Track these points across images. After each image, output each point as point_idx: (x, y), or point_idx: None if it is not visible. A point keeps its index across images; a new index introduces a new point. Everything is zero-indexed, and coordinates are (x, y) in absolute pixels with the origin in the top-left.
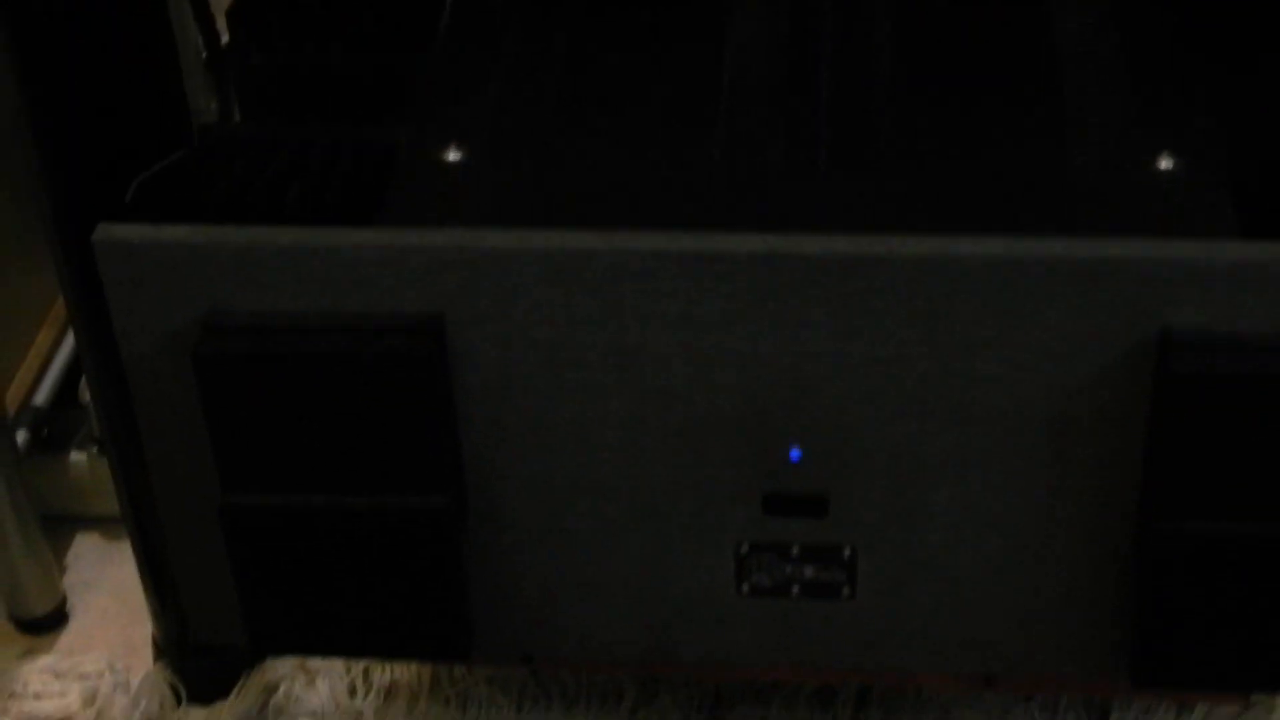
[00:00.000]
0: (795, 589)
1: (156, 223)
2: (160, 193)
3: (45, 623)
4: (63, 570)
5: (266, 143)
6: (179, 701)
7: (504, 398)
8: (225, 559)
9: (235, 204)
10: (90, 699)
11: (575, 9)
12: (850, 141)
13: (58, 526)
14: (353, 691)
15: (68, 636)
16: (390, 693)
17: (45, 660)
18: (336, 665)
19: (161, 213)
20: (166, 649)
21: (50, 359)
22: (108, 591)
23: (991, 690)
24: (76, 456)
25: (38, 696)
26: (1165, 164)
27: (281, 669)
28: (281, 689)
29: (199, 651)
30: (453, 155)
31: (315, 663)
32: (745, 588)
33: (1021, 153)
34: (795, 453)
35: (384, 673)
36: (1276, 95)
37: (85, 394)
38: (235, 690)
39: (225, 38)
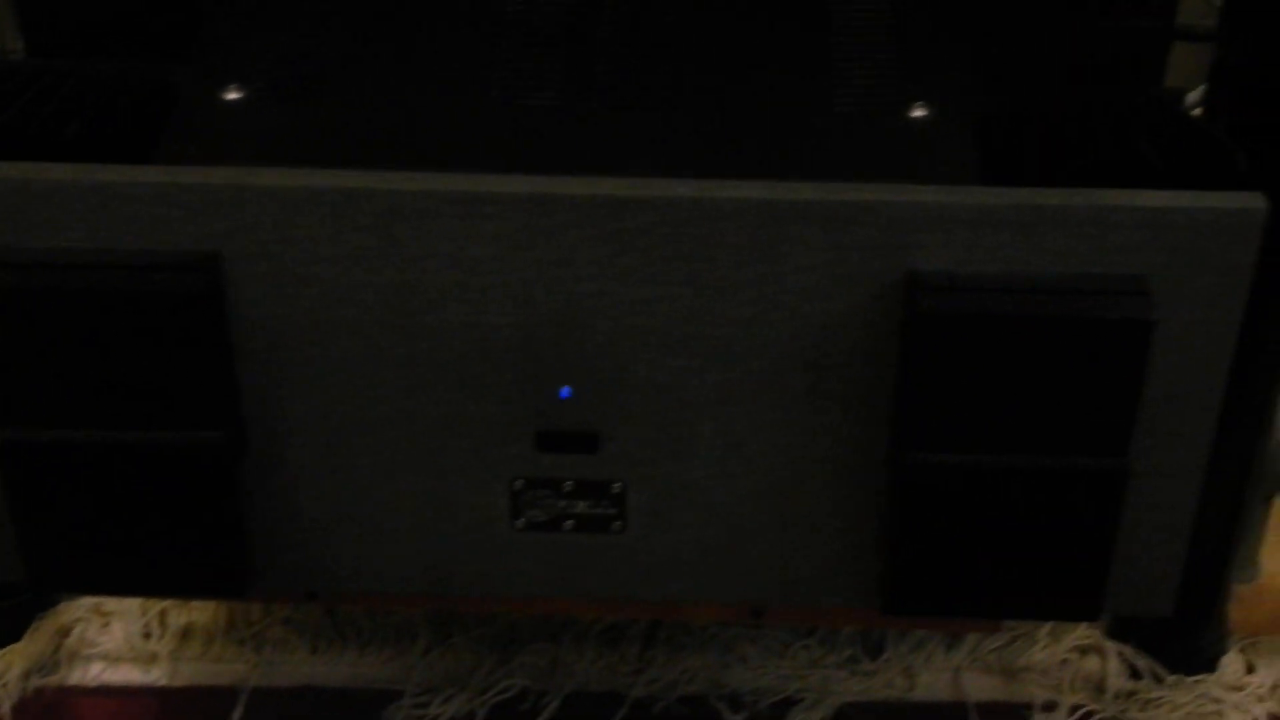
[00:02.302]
0: (568, 524)
1: None
2: None
3: None
4: None
5: (46, 79)
6: None
7: (281, 335)
8: (2, 496)
9: (13, 139)
10: None
11: None
12: (625, 84)
13: None
14: (148, 634)
15: None
16: (186, 635)
17: None
18: (132, 608)
19: None
20: None
21: None
22: None
23: (761, 622)
24: None
25: None
26: (917, 112)
27: (76, 612)
28: (75, 632)
29: None
30: (232, 94)
31: (110, 605)
32: (520, 523)
33: (788, 97)
34: (565, 391)
35: (180, 615)
36: (1024, 50)
37: None
38: (27, 633)
39: None
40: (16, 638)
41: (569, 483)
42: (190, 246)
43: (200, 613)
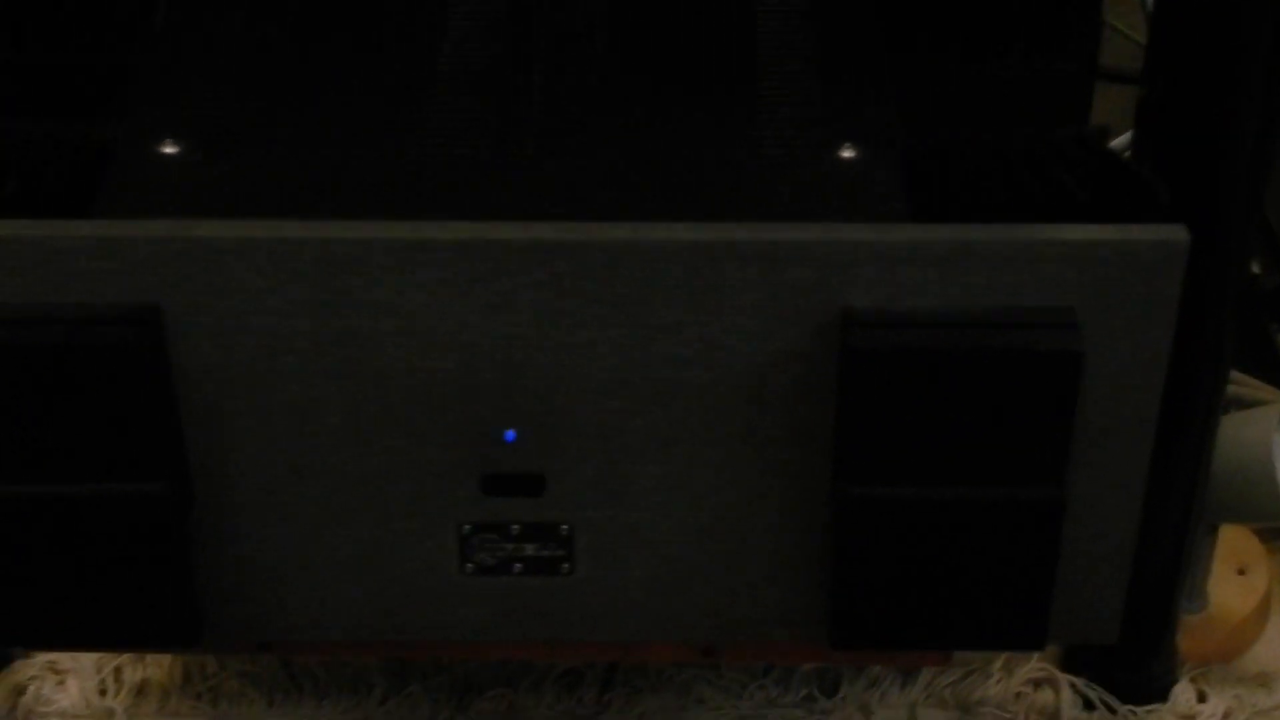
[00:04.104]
0: (517, 567)
1: None
2: None
3: None
4: None
5: None
6: None
7: (223, 385)
8: None
9: None
10: None
11: (290, 2)
12: (558, 128)
13: None
14: (103, 690)
15: None
16: (142, 690)
17: None
18: (87, 665)
19: None
20: None
21: None
22: None
23: (714, 660)
24: None
25: None
26: (846, 152)
27: (31, 669)
28: (30, 690)
29: None
30: (168, 149)
31: (65, 662)
32: (469, 567)
33: (719, 140)
34: (510, 434)
35: (135, 671)
36: (946, 88)
37: None
38: None
39: None
40: None
41: (516, 526)
42: (129, 299)
43: (155, 668)
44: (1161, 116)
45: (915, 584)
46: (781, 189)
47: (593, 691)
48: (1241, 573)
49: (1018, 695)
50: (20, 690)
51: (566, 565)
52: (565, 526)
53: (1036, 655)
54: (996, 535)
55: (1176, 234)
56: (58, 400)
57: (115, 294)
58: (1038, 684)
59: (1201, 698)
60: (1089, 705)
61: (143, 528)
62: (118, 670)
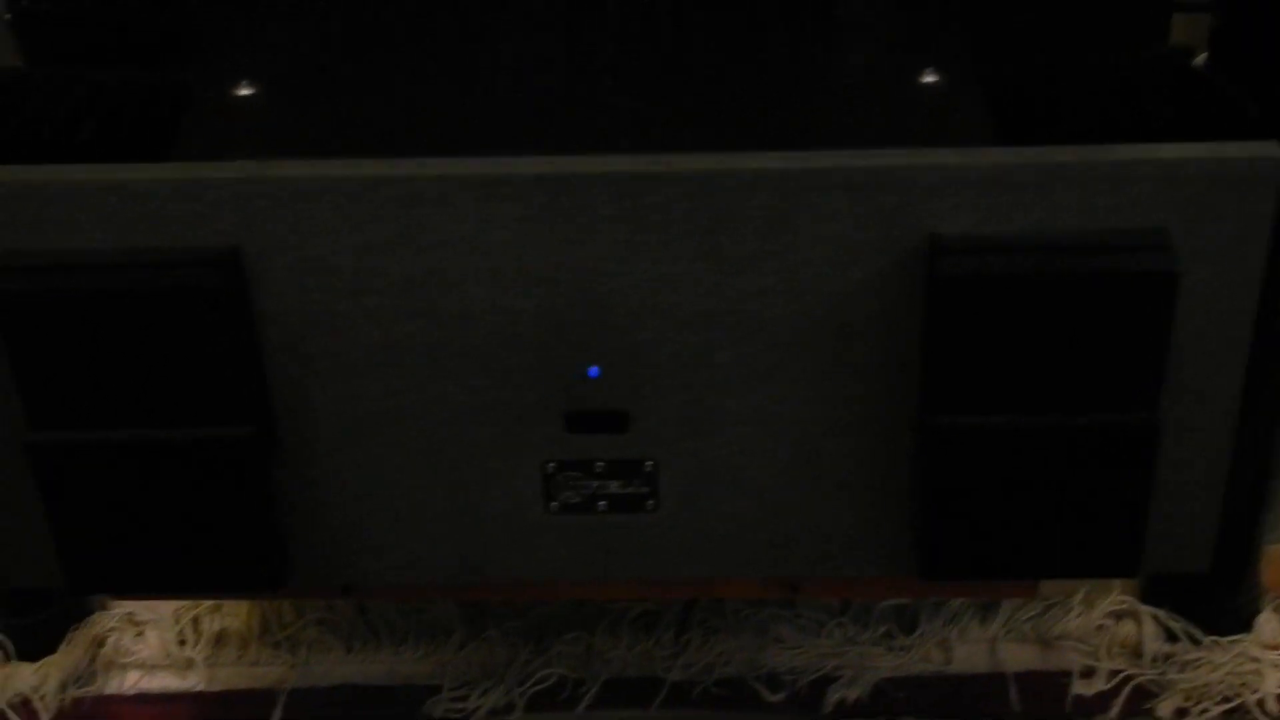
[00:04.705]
0: (601, 504)
1: None
2: None
3: None
4: None
5: (55, 85)
6: (7, 658)
7: (306, 327)
8: (37, 499)
9: (26, 144)
10: None
11: None
12: (632, 61)
13: None
14: (182, 641)
15: None
16: (220, 640)
17: None
18: (165, 615)
19: None
20: None
21: None
22: None
23: (798, 597)
24: None
25: None
26: (928, 78)
27: (109, 621)
28: (110, 641)
29: (26, 608)
30: (243, 91)
31: (143, 613)
32: (553, 506)
33: (798, 69)
34: (593, 370)
35: (213, 620)
36: (1025, 10)
37: None
38: (63, 644)
39: None
40: (52, 649)
41: (600, 463)
42: (209, 242)
43: (233, 618)
44: (1239, 36)
45: (1005, 513)
46: (862, 117)
47: (669, 632)
48: None
49: (1099, 628)
50: (100, 642)
51: (651, 502)
52: (649, 462)
53: (1118, 588)
54: (1089, 462)
55: (1270, 150)
56: (140, 345)
57: (195, 237)
58: (1119, 617)
59: None
60: (1171, 637)
61: (228, 472)
62: (195, 620)
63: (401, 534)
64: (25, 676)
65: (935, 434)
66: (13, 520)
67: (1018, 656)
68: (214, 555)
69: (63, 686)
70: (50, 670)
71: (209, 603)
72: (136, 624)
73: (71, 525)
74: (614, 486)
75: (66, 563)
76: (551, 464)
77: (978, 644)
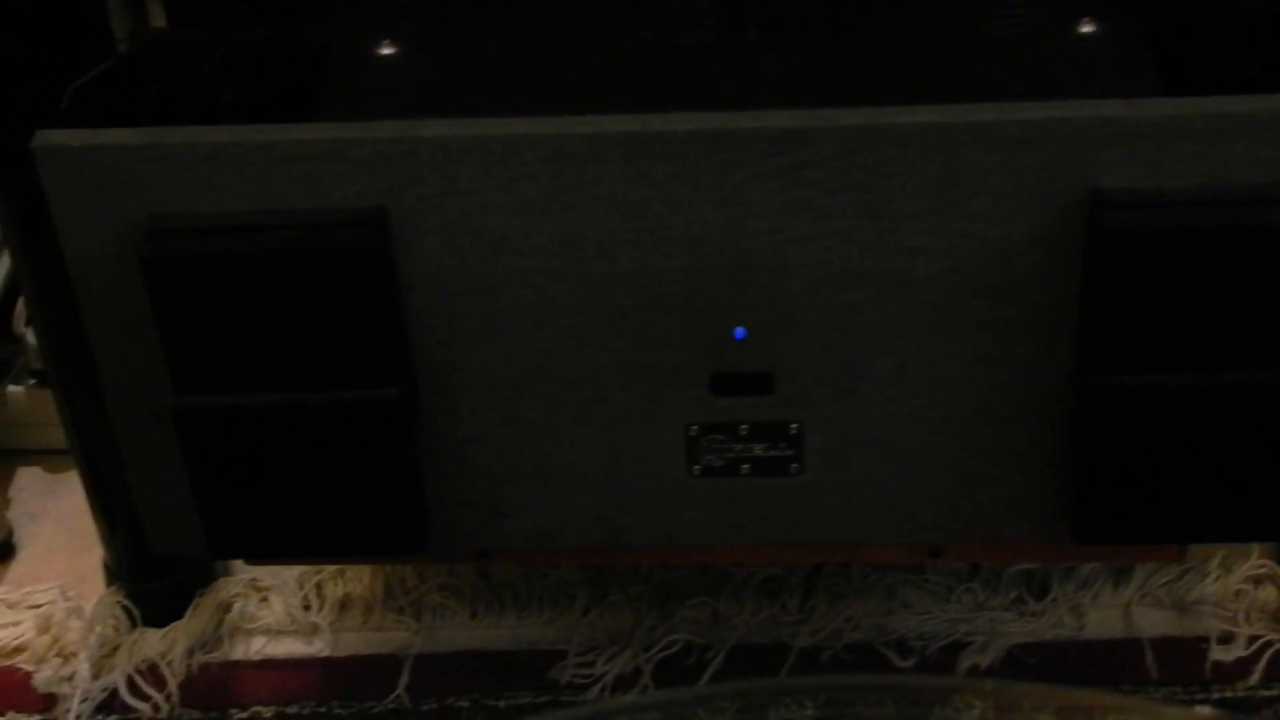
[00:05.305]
0: (745, 467)
1: (94, 128)
2: (94, 100)
3: None
4: (6, 504)
5: (198, 46)
6: (134, 624)
7: (451, 288)
8: (180, 466)
9: (171, 107)
10: (45, 626)
11: None
12: (778, 16)
13: None
14: (307, 606)
15: (16, 569)
16: (344, 605)
17: None
18: (289, 581)
19: (97, 119)
20: (118, 573)
21: None
22: (53, 523)
23: (939, 560)
24: (14, 390)
25: None
26: (1085, 27)
27: (234, 587)
28: (235, 607)
29: (152, 575)
30: (384, 50)
31: (266, 579)
32: (696, 469)
33: (946, 22)
34: (740, 331)
35: (336, 586)
36: None
37: (19, 327)
38: (189, 611)
39: None
40: (177, 615)
41: (745, 426)
42: (356, 203)
43: (356, 583)
44: None
45: (1163, 475)
46: (1019, 70)
47: (795, 598)
48: None
49: (1237, 593)
50: (226, 607)
51: (795, 465)
52: (795, 425)
53: (1257, 551)
54: (1255, 423)
55: None
56: (287, 308)
57: (341, 198)
58: (1258, 581)
59: None
60: None
61: (373, 434)
62: (319, 586)
63: (542, 497)
64: (153, 643)
65: (1095, 394)
66: (155, 486)
67: (1153, 622)
68: (358, 519)
69: (190, 652)
70: (177, 636)
71: (332, 568)
72: (260, 589)
73: (215, 490)
74: (758, 450)
75: (210, 528)
76: (695, 427)
77: (1111, 609)
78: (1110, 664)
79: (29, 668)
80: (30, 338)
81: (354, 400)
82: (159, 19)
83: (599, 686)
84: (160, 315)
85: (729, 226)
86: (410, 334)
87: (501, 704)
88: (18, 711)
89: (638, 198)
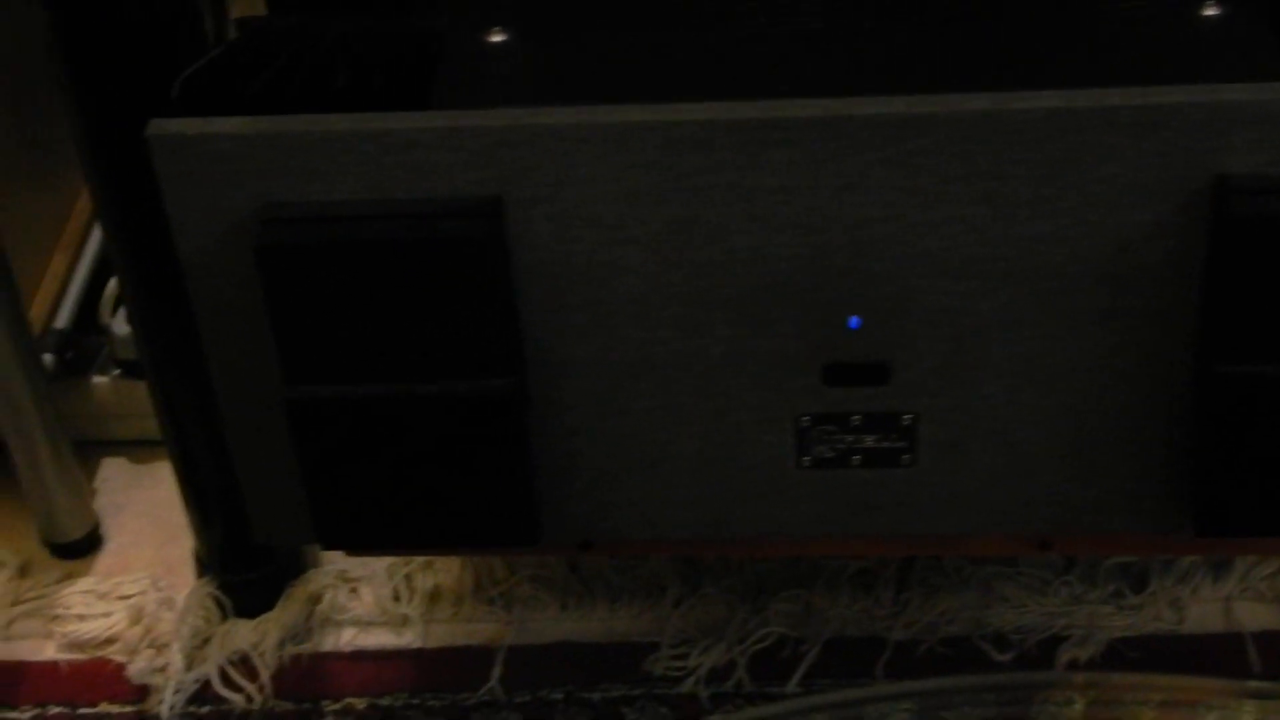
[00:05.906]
0: (856, 459)
1: (206, 116)
2: (205, 89)
3: (79, 547)
4: (92, 495)
5: (307, 34)
6: (224, 615)
7: (563, 277)
8: (289, 456)
9: (282, 96)
10: (136, 617)
11: None
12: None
13: (82, 451)
14: (397, 598)
15: (104, 560)
16: (434, 597)
17: (85, 583)
18: (379, 573)
19: (208, 108)
20: (210, 565)
21: (67, 284)
22: (139, 514)
23: (1046, 552)
24: (100, 380)
25: (82, 618)
26: (1208, 9)
27: (323, 579)
28: (326, 599)
29: (244, 566)
30: (496, 37)
31: (356, 570)
32: (806, 460)
33: (1065, 5)
34: (854, 320)
35: (426, 577)
36: None
37: (106, 317)
38: (280, 602)
39: None
40: (267, 607)
41: (857, 417)
42: (471, 191)
43: (445, 575)
44: None
45: None
46: (1141, 53)
47: (889, 591)
48: None
49: None
50: (316, 599)
51: (907, 456)
52: (908, 416)
53: None
54: None
55: None
56: (400, 297)
57: (456, 187)
58: None
59: None
60: None
61: (485, 426)
62: (409, 577)
63: (648, 489)
64: (244, 634)
65: (1219, 383)
66: (264, 476)
67: (1255, 616)
68: (468, 511)
69: (281, 643)
70: (269, 627)
71: (421, 559)
72: (350, 581)
73: (325, 481)
74: (870, 440)
75: (319, 518)
76: (806, 418)
77: (1211, 603)
78: (1212, 658)
79: (121, 659)
80: (116, 328)
81: (466, 392)
82: (260, 8)
83: (693, 679)
84: (272, 304)
85: (845, 214)
86: (522, 324)
87: (596, 696)
88: (110, 702)
89: (752, 185)
